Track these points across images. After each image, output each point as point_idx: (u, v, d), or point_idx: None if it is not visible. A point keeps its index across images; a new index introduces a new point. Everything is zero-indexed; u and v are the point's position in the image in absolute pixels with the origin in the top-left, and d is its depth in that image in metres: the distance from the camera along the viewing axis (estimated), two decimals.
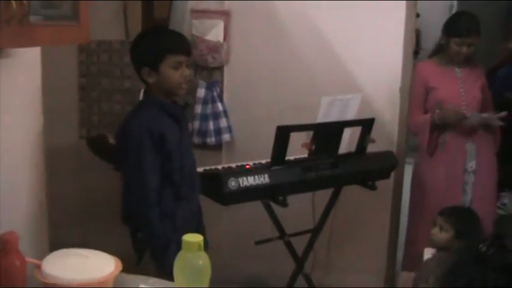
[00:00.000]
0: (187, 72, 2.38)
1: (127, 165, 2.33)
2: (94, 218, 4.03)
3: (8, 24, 1.49)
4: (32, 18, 1.61)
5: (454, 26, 3.33)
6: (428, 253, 2.84)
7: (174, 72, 2.32)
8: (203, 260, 1.45)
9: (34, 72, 2.31)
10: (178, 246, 1.47)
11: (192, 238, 1.44)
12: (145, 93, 2.42)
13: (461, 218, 2.78)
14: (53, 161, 2.73)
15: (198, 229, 2.48)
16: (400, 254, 3.72)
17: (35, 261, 1.55)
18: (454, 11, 6.75)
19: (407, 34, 3.44)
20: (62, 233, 3.03)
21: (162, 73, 2.31)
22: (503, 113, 3.24)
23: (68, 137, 4.09)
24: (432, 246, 2.80)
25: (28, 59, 2.23)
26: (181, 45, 2.38)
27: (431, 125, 3.31)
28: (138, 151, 2.26)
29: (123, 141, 2.33)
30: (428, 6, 6.31)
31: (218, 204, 2.72)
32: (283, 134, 2.65)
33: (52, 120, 2.66)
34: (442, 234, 2.73)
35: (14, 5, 1.49)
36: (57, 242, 2.64)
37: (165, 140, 2.28)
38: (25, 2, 1.53)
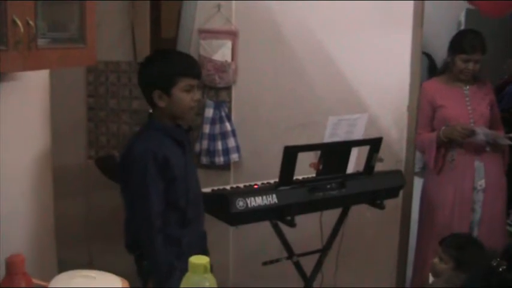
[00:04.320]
0: (198, 95, 2.36)
1: (131, 190, 2.29)
2: (101, 237, 4.03)
3: (16, 48, 1.50)
4: (39, 42, 1.63)
5: (459, 43, 3.34)
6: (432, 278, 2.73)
7: (186, 95, 2.29)
8: (210, 282, 1.44)
9: (43, 94, 2.32)
10: (182, 273, 1.44)
11: (198, 260, 1.43)
12: (149, 116, 2.38)
13: (460, 249, 2.59)
14: (61, 181, 2.74)
15: (203, 254, 2.44)
16: (409, 273, 3.69)
17: (42, 283, 1.55)
18: (462, 28, 6.76)
19: (414, 53, 3.44)
20: (69, 252, 3.04)
21: (173, 96, 2.28)
22: None
23: (76, 157, 4.10)
24: (433, 275, 2.67)
25: (37, 81, 2.24)
26: (194, 68, 2.36)
27: (437, 143, 3.30)
28: (143, 176, 2.21)
29: (127, 166, 2.28)
30: (436, 25, 6.32)
31: (226, 224, 2.72)
32: (290, 154, 2.64)
33: (60, 141, 2.68)
34: (441, 264, 2.59)
35: (22, 29, 1.50)
36: (64, 261, 2.66)
37: (169, 165, 2.24)
38: (32, 24, 1.54)
